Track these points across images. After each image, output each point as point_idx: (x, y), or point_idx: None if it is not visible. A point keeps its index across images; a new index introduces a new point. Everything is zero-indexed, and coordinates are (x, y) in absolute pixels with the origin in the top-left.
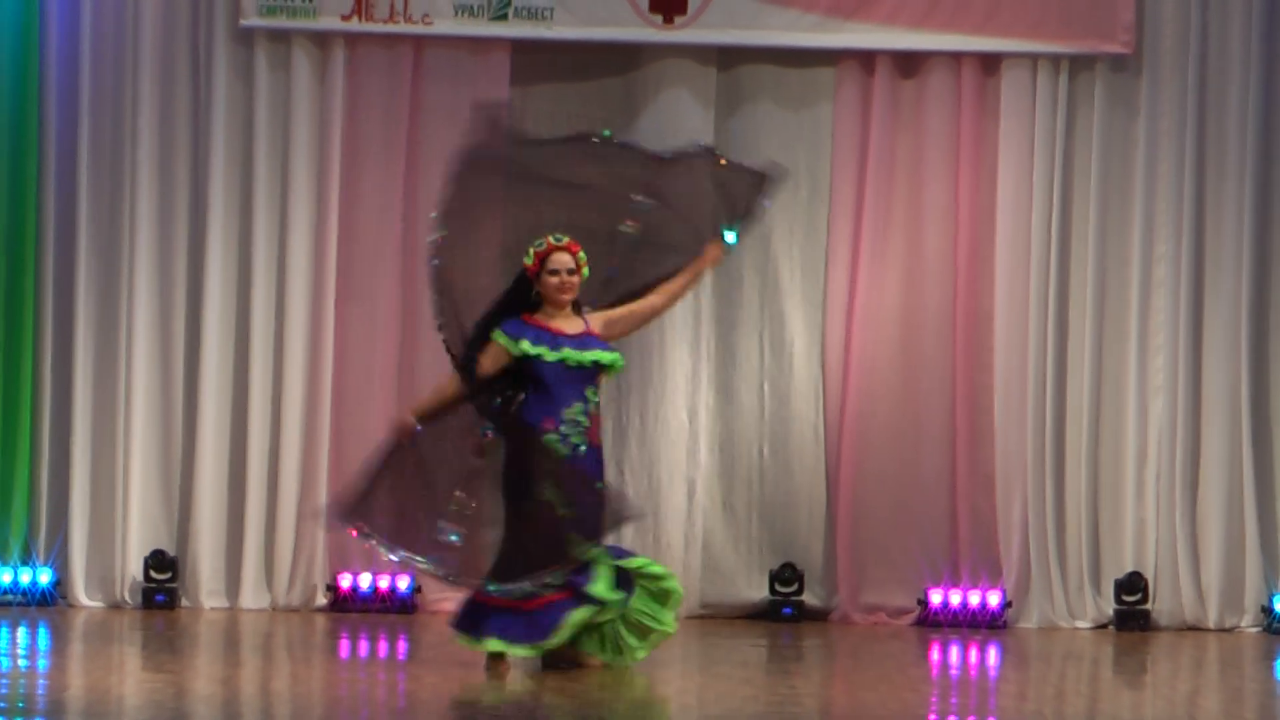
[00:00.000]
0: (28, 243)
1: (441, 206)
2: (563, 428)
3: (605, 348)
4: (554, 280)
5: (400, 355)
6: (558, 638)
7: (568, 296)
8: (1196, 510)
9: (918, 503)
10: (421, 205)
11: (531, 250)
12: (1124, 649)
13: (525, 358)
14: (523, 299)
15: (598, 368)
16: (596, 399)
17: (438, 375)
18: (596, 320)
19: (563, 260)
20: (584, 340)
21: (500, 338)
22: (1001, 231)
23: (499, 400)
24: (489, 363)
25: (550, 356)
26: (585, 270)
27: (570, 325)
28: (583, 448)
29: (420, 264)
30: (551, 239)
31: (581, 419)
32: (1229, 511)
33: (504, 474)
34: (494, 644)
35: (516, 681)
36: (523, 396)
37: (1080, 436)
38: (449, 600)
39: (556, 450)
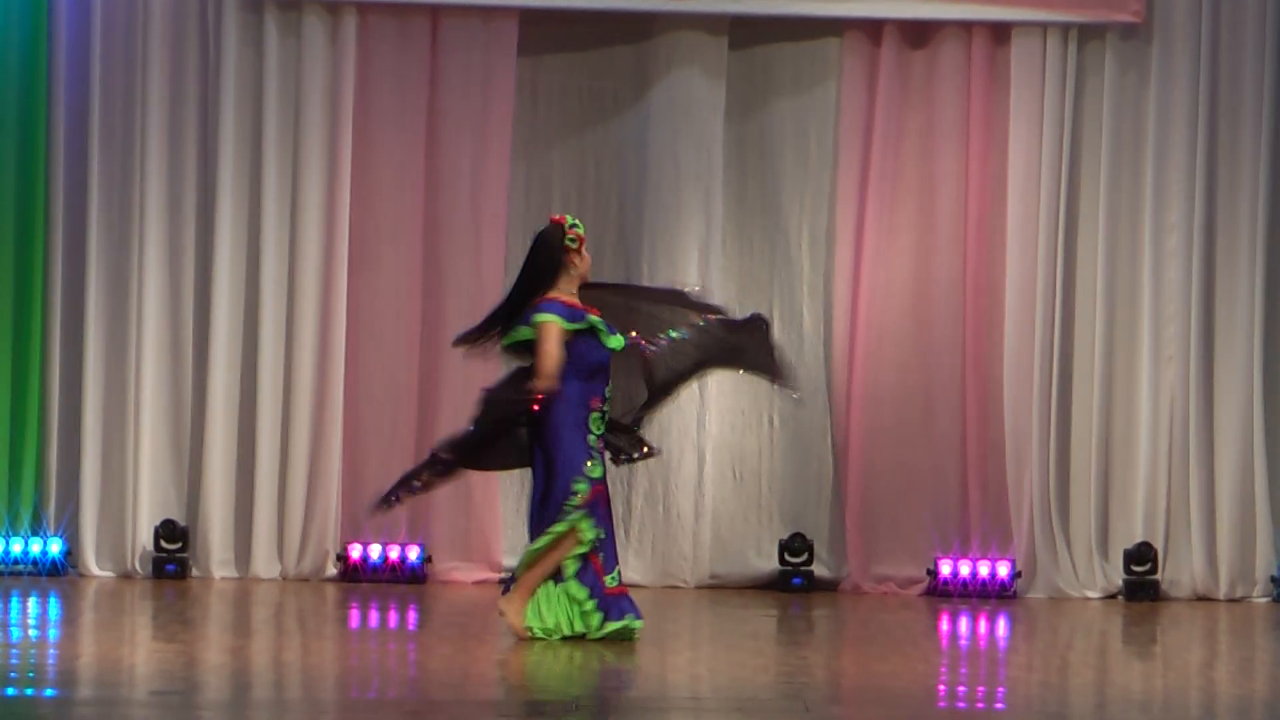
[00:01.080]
0: (38, 211)
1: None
2: (605, 405)
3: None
4: (584, 263)
5: (414, 323)
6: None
7: (583, 270)
8: (1209, 480)
9: (927, 473)
10: (435, 173)
11: (580, 231)
12: (1133, 619)
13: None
14: (550, 273)
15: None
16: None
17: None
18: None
19: (581, 237)
20: (607, 323)
21: (564, 325)
22: (1011, 201)
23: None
24: (557, 354)
25: (609, 344)
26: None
27: (578, 299)
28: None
29: (436, 233)
30: (569, 218)
31: (605, 408)
32: (1240, 481)
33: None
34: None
35: (528, 654)
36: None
37: (1090, 406)
38: (458, 570)
39: (598, 428)
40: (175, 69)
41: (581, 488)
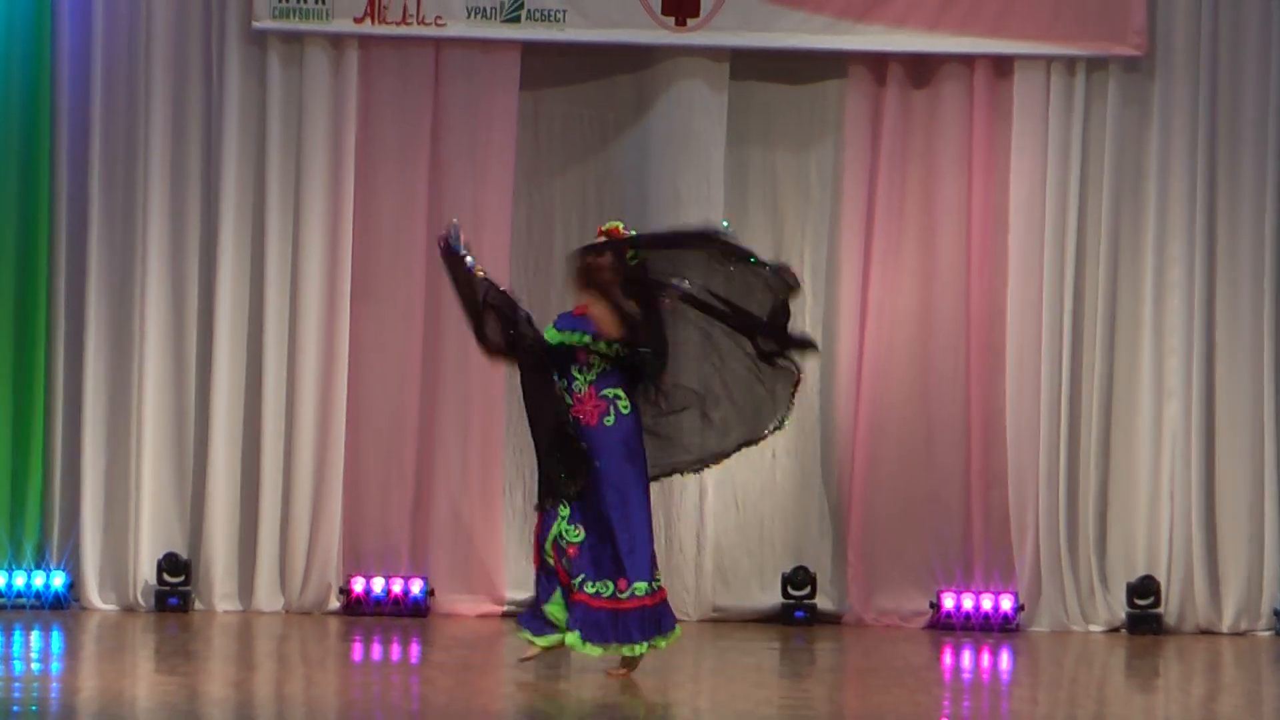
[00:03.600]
0: (40, 246)
1: None
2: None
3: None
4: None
5: (417, 356)
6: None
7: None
8: (1212, 513)
9: (930, 506)
10: (437, 205)
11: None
12: (1136, 652)
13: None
14: None
15: (572, 349)
16: (584, 378)
17: (457, 374)
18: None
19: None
20: (575, 321)
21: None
22: (1015, 233)
23: None
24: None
25: (549, 338)
26: (631, 258)
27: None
28: (572, 428)
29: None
30: (604, 226)
31: (565, 398)
32: (1242, 514)
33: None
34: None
35: (529, 685)
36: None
37: (1093, 440)
38: (462, 603)
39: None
40: (178, 101)
41: None
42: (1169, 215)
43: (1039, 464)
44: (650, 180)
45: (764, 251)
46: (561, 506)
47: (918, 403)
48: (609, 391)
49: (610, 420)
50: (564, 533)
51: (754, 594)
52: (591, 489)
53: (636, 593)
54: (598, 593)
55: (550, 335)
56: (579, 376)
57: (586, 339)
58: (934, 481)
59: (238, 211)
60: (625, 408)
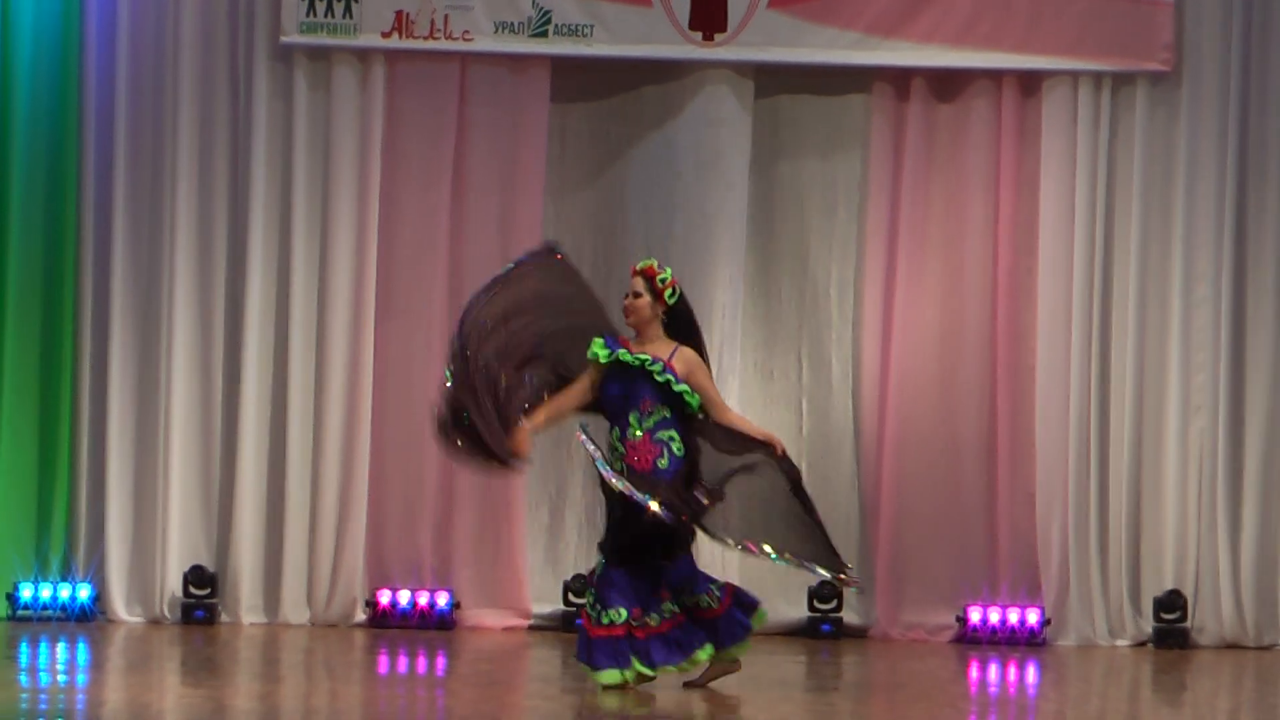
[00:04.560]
0: (67, 263)
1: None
2: (610, 450)
3: (664, 371)
4: (623, 302)
5: (441, 371)
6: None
7: (629, 320)
8: (1238, 528)
9: (957, 520)
10: (463, 221)
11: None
12: (1163, 667)
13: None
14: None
15: (640, 387)
16: (642, 425)
17: None
18: (685, 363)
19: (631, 284)
20: (651, 360)
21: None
22: (1043, 249)
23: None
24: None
25: (621, 357)
26: (669, 295)
27: (652, 350)
28: (625, 475)
29: (464, 280)
30: (637, 265)
31: (618, 445)
32: (1269, 529)
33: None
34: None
35: (554, 699)
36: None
37: (1121, 454)
38: (487, 617)
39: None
40: (205, 116)
41: None
42: (1196, 230)
43: (1066, 478)
44: (676, 195)
45: (791, 267)
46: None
47: (945, 418)
48: (664, 434)
49: (664, 463)
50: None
51: (780, 608)
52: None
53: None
54: (611, 621)
55: (623, 355)
56: (634, 424)
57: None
58: (961, 496)
59: (264, 225)
60: (679, 450)
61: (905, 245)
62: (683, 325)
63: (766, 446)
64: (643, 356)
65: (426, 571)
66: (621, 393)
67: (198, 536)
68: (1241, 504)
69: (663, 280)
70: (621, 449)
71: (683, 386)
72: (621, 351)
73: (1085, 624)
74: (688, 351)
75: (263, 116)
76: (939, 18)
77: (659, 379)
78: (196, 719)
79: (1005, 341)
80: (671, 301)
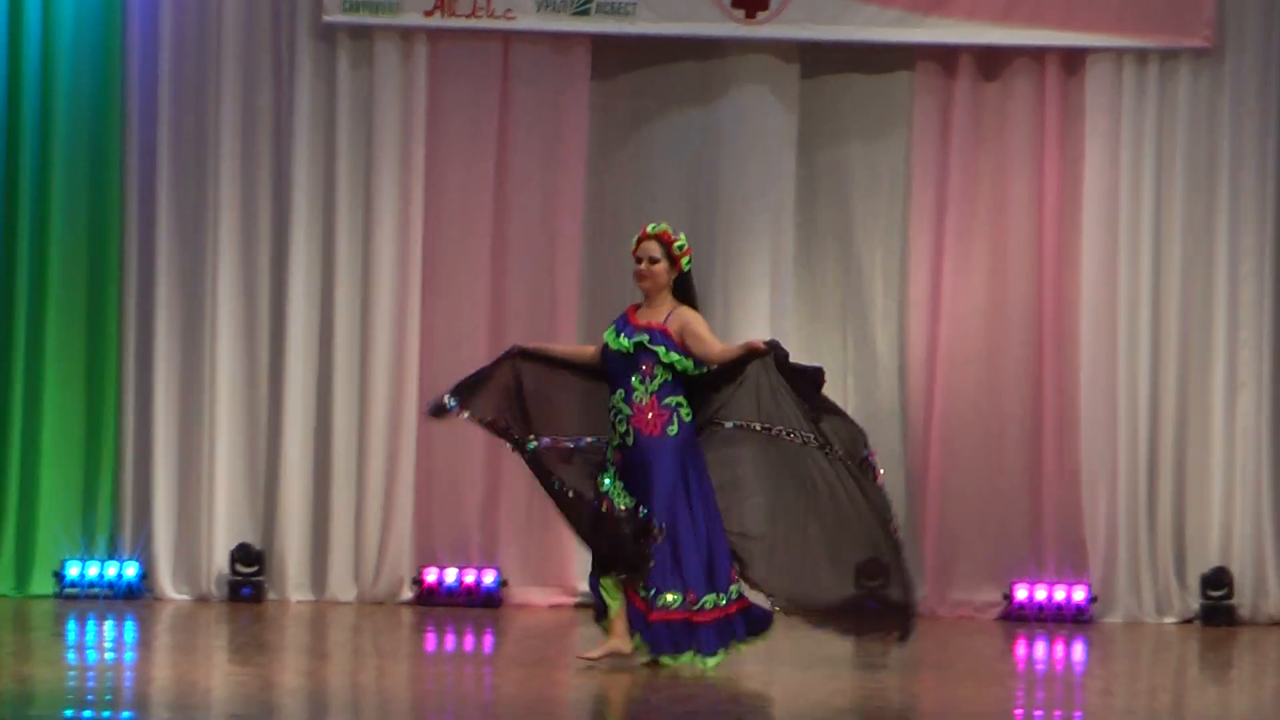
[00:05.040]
0: (111, 240)
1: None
2: (610, 414)
3: (656, 339)
4: (634, 268)
5: (487, 347)
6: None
7: (643, 284)
8: None
9: (1003, 498)
10: (507, 199)
11: (635, 236)
12: (1210, 644)
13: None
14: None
15: (639, 353)
16: (645, 387)
17: None
18: (678, 321)
19: (645, 249)
20: (642, 330)
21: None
22: (1087, 227)
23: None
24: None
25: (610, 343)
26: (685, 263)
27: (650, 315)
28: (630, 438)
29: (509, 257)
30: (649, 227)
31: (622, 407)
32: None
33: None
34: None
35: (601, 676)
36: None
37: (1166, 431)
38: (534, 594)
39: (610, 439)
40: (247, 96)
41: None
42: (1241, 207)
43: (1112, 456)
44: (720, 174)
45: (835, 245)
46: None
47: (991, 396)
48: (671, 400)
49: (674, 430)
50: None
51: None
52: (645, 499)
53: (670, 605)
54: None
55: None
56: (638, 386)
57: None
58: (1007, 473)
59: (308, 204)
60: (687, 415)
61: (952, 224)
62: (688, 290)
63: (749, 355)
64: (632, 341)
65: (473, 549)
66: (622, 357)
67: (244, 514)
68: None
69: (680, 247)
70: (627, 410)
71: (673, 356)
72: (608, 334)
73: (1132, 601)
74: (684, 310)
75: (305, 96)
76: None
77: (652, 349)
78: (244, 697)
79: (1050, 319)
80: (687, 268)
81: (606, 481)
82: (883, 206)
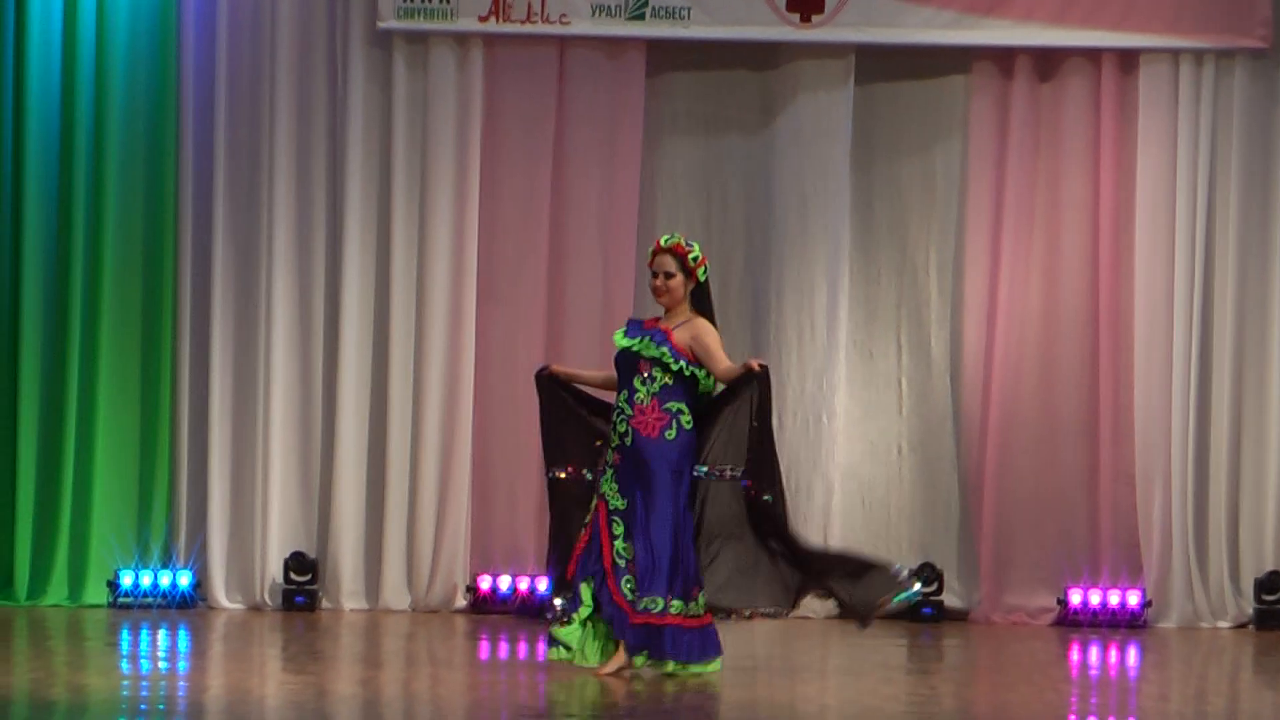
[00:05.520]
0: (166, 247)
1: None
2: (614, 415)
3: (658, 341)
4: (650, 282)
5: (542, 354)
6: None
7: (661, 300)
8: None
9: (1058, 502)
10: (563, 203)
11: (650, 249)
12: (1264, 649)
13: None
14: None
15: (637, 357)
16: (646, 389)
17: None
18: (689, 330)
19: (660, 263)
20: (647, 332)
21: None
22: (1141, 229)
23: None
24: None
25: (616, 343)
26: (702, 273)
27: (665, 322)
28: (629, 439)
29: (564, 264)
30: (662, 240)
31: (624, 407)
32: None
33: None
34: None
35: (655, 683)
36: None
37: (1221, 435)
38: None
39: (611, 438)
40: (302, 103)
41: (593, 503)
42: None
43: (1167, 459)
44: (774, 178)
45: (890, 248)
46: (615, 524)
47: (1045, 399)
48: (673, 405)
49: (672, 434)
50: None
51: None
52: (633, 503)
53: (650, 610)
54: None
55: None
56: (640, 388)
57: (664, 352)
58: (1062, 478)
59: (362, 211)
60: (688, 423)
61: (1008, 226)
62: (705, 300)
63: (745, 376)
64: (632, 341)
65: (528, 557)
66: (625, 358)
67: (298, 523)
68: None
69: (694, 258)
70: (629, 410)
71: (663, 350)
72: (617, 335)
73: (1186, 605)
74: (697, 322)
75: (360, 102)
76: None
77: (653, 353)
78: (298, 705)
79: (1106, 321)
80: (703, 279)
81: (604, 483)
82: (938, 209)
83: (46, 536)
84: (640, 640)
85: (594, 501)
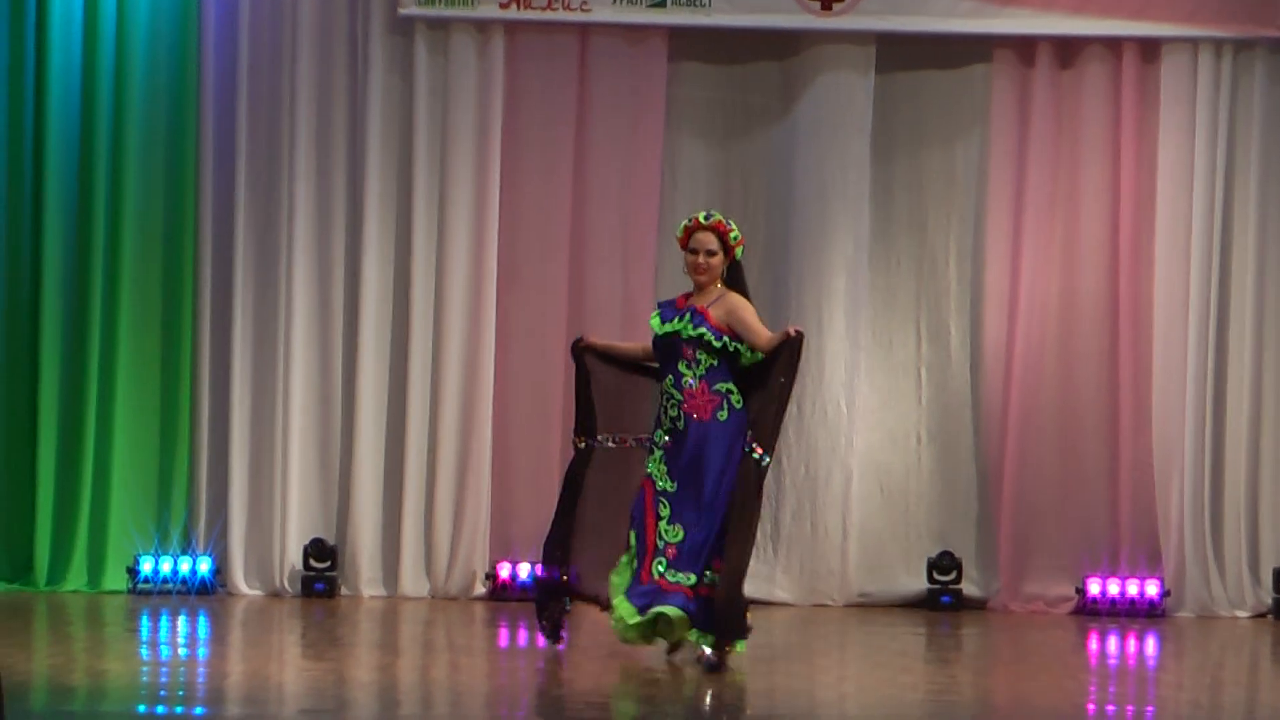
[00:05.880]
0: (186, 233)
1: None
2: (663, 399)
3: (696, 323)
4: (689, 259)
5: (563, 340)
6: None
7: (700, 278)
8: None
9: (1077, 491)
10: (584, 190)
11: (681, 224)
12: None
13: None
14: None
15: (678, 340)
16: (693, 372)
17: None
18: (724, 306)
19: (701, 240)
20: (681, 312)
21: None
22: (1161, 219)
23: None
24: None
25: (654, 330)
26: (740, 252)
27: (696, 300)
28: (680, 423)
29: (585, 250)
30: (700, 216)
31: (674, 392)
32: None
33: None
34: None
35: (676, 669)
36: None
37: (1240, 424)
38: (605, 588)
39: (663, 421)
40: (323, 90)
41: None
42: None
43: (1184, 449)
44: (796, 166)
45: (910, 236)
46: (662, 505)
47: (1065, 388)
48: (721, 386)
49: (724, 415)
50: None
51: (899, 579)
52: (683, 486)
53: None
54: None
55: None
56: (686, 372)
57: (703, 332)
58: (1081, 467)
59: (383, 198)
60: (738, 402)
61: (1028, 215)
62: (739, 277)
63: (783, 342)
64: (674, 324)
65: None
66: (667, 342)
67: (317, 509)
68: None
69: (734, 237)
70: (679, 396)
71: (722, 341)
72: (654, 321)
73: (1204, 595)
74: (731, 296)
75: (380, 90)
76: None
77: (693, 334)
78: (318, 691)
79: (1125, 311)
80: (740, 257)
81: (650, 464)
82: (958, 198)
83: (66, 522)
84: (683, 605)
85: (631, 481)
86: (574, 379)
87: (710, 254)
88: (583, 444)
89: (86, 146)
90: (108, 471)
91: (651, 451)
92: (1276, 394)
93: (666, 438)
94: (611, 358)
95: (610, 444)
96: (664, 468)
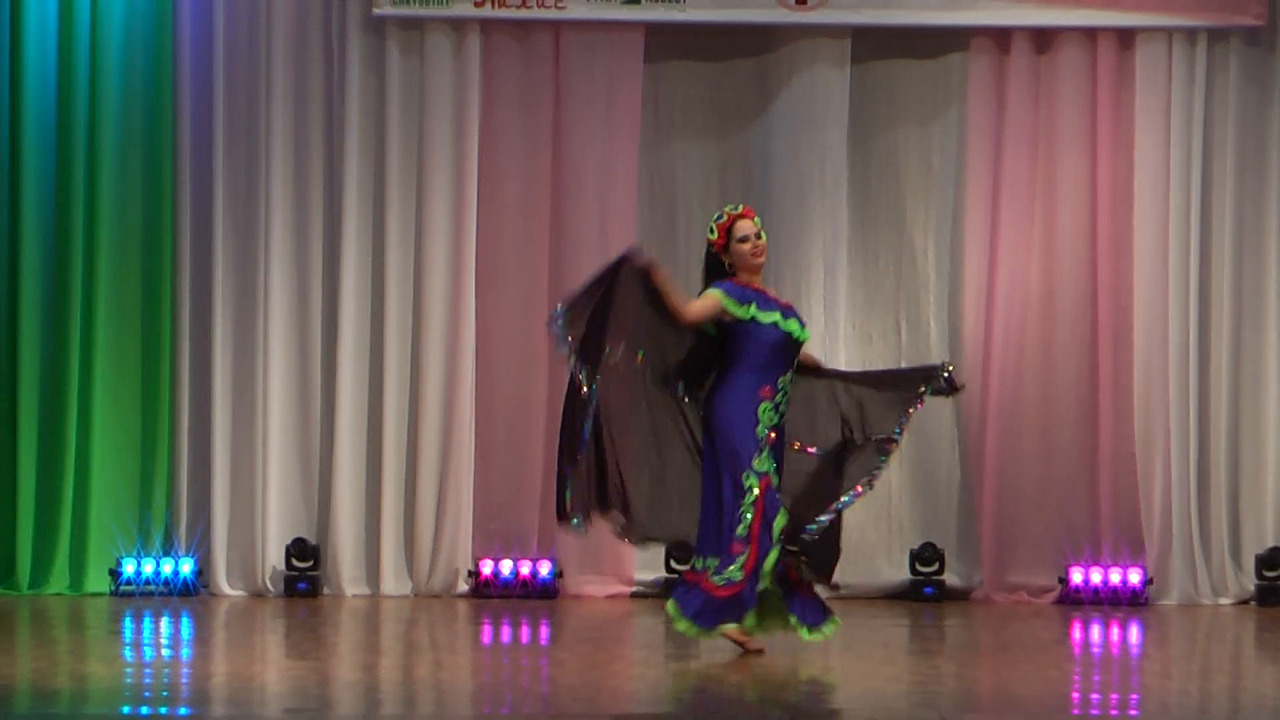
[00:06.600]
0: (165, 234)
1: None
2: (778, 396)
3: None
4: (745, 246)
5: (542, 337)
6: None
7: (762, 260)
8: None
9: (1059, 481)
10: (561, 187)
11: (713, 224)
12: (1266, 625)
13: (752, 321)
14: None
15: (799, 344)
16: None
17: None
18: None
19: (746, 226)
20: (785, 312)
21: (724, 299)
22: (1139, 207)
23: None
24: (701, 311)
25: (794, 334)
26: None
27: (768, 288)
28: (781, 420)
29: (564, 247)
30: (729, 209)
31: (789, 388)
32: None
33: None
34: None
35: (659, 665)
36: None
37: (1220, 412)
38: (590, 585)
39: (769, 419)
40: (299, 90)
41: (751, 483)
42: None
43: (1167, 437)
44: (773, 160)
45: (888, 230)
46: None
47: (1045, 379)
48: None
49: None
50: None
51: (882, 570)
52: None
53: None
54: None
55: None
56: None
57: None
58: (1062, 457)
59: (360, 197)
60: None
61: (1006, 206)
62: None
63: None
64: (798, 333)
65: (530, 540)
66: (795, 343)
67: (299, 509)
68: None
69: (757, 220)
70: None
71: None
72: (792, 325)
73: (1187, 583)
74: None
75: (356, 89)
76: None
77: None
78: (301, 691)
79: (1105, 300)
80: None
81: (764, 462)
82: (936, 190)
83: (48, 526)
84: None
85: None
86: (589, 286)
87: (759, 236)
88: (585, 388)
89: (63, 149)
90: (88, 474)
91: (760, 449)
92: (1257, 381)
93: (774, 433)
94: (658, 301)
95: (614, 359)
96: (774, 464)
